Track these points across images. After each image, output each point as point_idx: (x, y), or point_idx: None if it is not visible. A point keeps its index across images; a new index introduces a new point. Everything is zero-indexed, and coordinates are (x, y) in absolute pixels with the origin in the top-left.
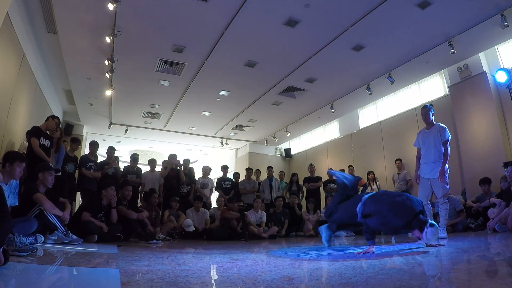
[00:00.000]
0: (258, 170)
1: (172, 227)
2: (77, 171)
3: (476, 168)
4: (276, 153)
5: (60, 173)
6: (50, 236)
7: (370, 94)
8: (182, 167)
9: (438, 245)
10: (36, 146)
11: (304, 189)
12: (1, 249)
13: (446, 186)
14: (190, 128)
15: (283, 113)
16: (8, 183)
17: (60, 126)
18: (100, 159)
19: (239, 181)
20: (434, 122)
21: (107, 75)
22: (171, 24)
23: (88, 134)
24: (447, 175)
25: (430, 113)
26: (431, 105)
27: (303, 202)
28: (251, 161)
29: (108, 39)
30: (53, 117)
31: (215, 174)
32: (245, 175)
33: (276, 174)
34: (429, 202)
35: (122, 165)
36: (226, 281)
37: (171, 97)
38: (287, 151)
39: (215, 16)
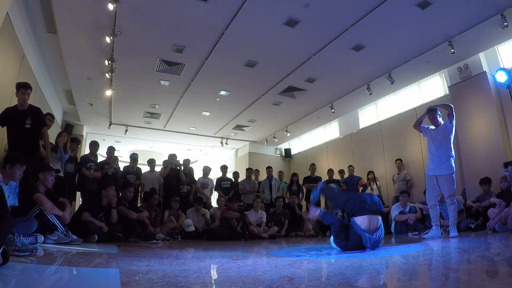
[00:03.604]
0: (257, 170)
1: (172, 227)
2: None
3: (476, 168)
4: (276, 153)
5: (62, 174)
6: (50, 236)
7: (370, 94)
8: (182, 167)
9: None
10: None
11: (304, 189)
12: (1, 249)
13: (453, 186)
14: (190, 128)
15: (283, 113)
16: (8, 183)
17: (60, 126)
18: (100, 159)
19: (239, 181)
20: (442, 122)
21: (107, 75)
22: (171, 24)
23: (88, 134)
24: (454, 175)
25: (438, 115)
26: (436, 107)
27: (303, 202)
28: (251, 161)
29: (108, 39)
30: (45, 115)
31: (215, 174)
32: (245, 175)
33: (275, 174)
34: (437, 203)
35: (121, 165)
36: (226, 281)
37: (171, 97)
38: (287, 151)
39: (215, 16)
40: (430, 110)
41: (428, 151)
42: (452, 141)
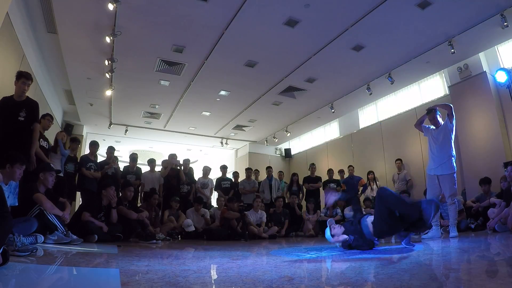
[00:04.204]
0: (256, 170)
1: (172, 227)
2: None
3: (476, 168)
4: (276, 153)
5: (62, 174)
6: (50, 236)
7: (370, 94)
8: (182, 167)
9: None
10: (37, 148)
11: (304, 189)
12: (1, 250)
13: (454, 186)
14: (190, 128)
15: (283, 113)
16: (8, 183)
17: (60, 126)
18: (100, 159)
19: (239, 181)
20: (442, 122)
21: (107, 75)
22: (171, 24)
23: (88, 134)
24: (455, 175)
25: (437, 115)
26: (435, 108)
27: (303, 202)
28: (251, 161)
29: (108, 39)
30: (44, 116)
31: (215, 174)
32: (245, 175)
33: (275, 174)
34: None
35: (121, 165)
36: (226, 281)
37: (171, 97)
38: (287, 151)
39: (215, 16)
40: (430, 111)
41: (429, 151)
42: (453, 141)
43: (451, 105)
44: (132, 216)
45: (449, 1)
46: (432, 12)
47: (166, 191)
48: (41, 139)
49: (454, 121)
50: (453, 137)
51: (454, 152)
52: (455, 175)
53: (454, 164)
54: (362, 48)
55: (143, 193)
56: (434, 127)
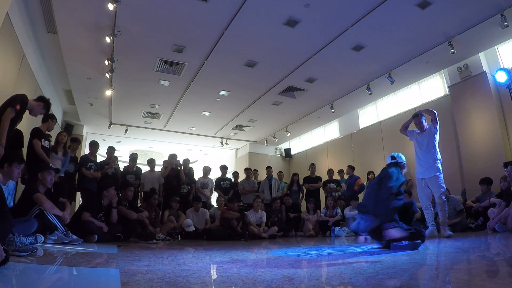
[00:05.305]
0: (256, 170)
1: (172, 227)
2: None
3: (476, 168)
4: (276, 153)
5: (62, 174)
6: (50, 236)
7: (370, 94)
8: (182, 167)
9: None
10: (38, 148)
11: (304, 189)
12: (1, 249)
13: (442, 185)
14: (190, 128)
15: (283, 113)
16: (6, 183)
17: (60, 126)
18: (100, 159)
19: (239, 181)
20: (427, 126)
21: (107, 75)
22: (171, 24)
23: (88, 134)
24: (441, 176)
25: (423, 120)
26: (420, 113)
27: (303, 202)
28: (251, 161)
29: (108, 39)
30: (52, 117)
31: (215, 174)
32: (244, 175)
33: (275, 174)
34: (430, 204)
35: (121, 165)
36: (226, 281)
37: (171, 97)
38: (287, 151)
39: (215, 16)
40: (415, 116)
41: (415, 156)
42: (437, 144)
43: (435, 111)
44: (132, 216)
45: (449, 1)
46: (432, 12)
47: (166, 191)
48: (43, 139)
49: (438, 127)
50: (437, 140)
51: (439, 156)
52: (441, 175)
53: (440, 166)
54: (362, 48)
55: (143, 193)
56: (419, 131)
